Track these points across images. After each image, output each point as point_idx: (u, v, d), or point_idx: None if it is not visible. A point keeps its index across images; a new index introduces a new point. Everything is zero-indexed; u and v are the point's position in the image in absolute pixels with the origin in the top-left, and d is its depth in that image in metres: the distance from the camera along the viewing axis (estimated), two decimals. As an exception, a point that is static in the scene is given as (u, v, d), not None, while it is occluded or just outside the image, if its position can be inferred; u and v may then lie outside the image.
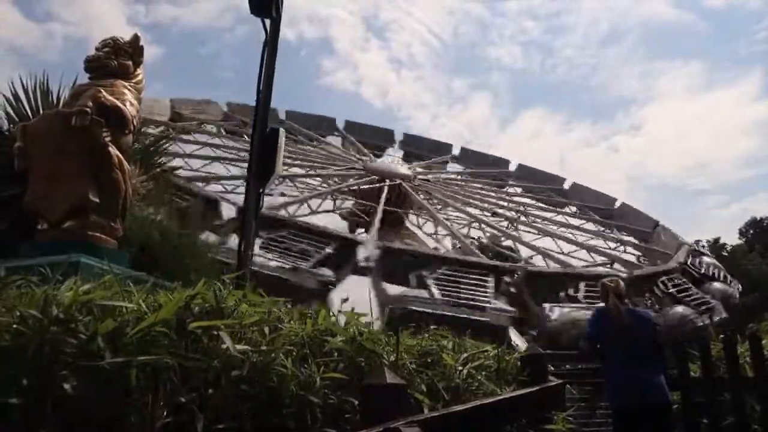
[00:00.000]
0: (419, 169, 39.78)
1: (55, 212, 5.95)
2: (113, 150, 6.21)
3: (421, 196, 34.03)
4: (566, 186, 40.46)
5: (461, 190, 36.94)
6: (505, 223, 33.83)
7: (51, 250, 5.35)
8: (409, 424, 2.54)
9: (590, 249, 30.71)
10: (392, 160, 39.67)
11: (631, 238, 33.52)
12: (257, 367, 2.85)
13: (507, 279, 22.93)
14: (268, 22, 7.08)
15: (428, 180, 36.54)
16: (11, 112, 9.05)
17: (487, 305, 20.32)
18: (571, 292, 22.41)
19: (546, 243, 31.77)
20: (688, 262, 26.80)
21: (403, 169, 36.44)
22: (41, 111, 8.54)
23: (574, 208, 38.24)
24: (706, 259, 29.36)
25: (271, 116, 34.77)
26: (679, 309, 22.09)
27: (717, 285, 25.49)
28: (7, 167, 6.67)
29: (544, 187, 40.43)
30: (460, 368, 3.80)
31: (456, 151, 44.73)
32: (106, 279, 3.18)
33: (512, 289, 22.52)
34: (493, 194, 38.43)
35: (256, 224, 6.97)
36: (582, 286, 22.54)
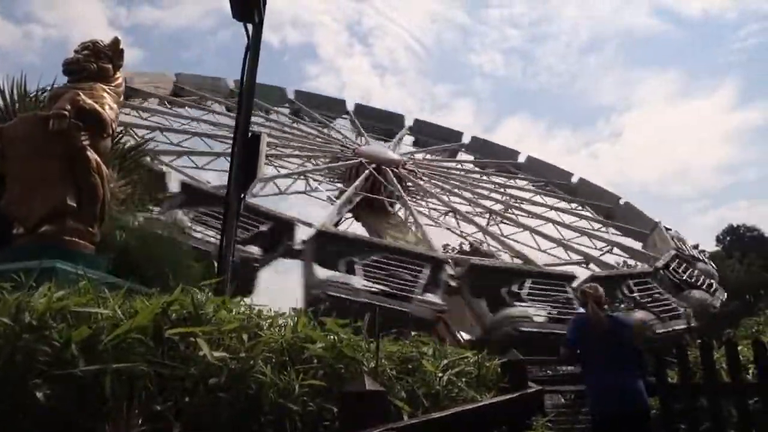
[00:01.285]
0: (418, 156, 39.03)
1: (31, 217, 5.85)
2: (91, 154, 6.12)
3: (409, 183, 33.32)
4: (574, 180, 39.18)
5: (453, 180, 36.01)
6: (486, 216, 33.14)
7: (27, 255, 5.26)
8: (388, 431, 2.53)
9: (567, 247, 30.32)
10: (390, 145, 38.79)
11: (625, 239, 32.71)
12: (236, 375, 2.82)
13: (450, 272, 22.38)
14: (250, 27, 7.07)
15: (417, 168, 35.68)
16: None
17: (413, 296, 19.79)
18: (515, 288, 22.04)
19: (524, 238, 31.47)
20: (671, 267, 26.39)
21: (395, 155, 35.56)
22: (18, 113, 8.40)
23: (575, 205, 37.29)
24: (701, 265, 28.87)
25: (279, 96, 35.56)
26: (639, 314, 21.90)
27: (696, 293, 25.26)
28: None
29: (550, 181, 39.26)
30: (440, 375, 3.79)
31: (466, 140, 43.32)
32: (82, 285, 3.13)
33: (453, 283, 22.03)
34: (488, 186, 37.46)
35: (236, 226, 6.93)
36: (527, 283, 22.30)
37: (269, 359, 3.05)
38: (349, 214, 32.94)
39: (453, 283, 22.08)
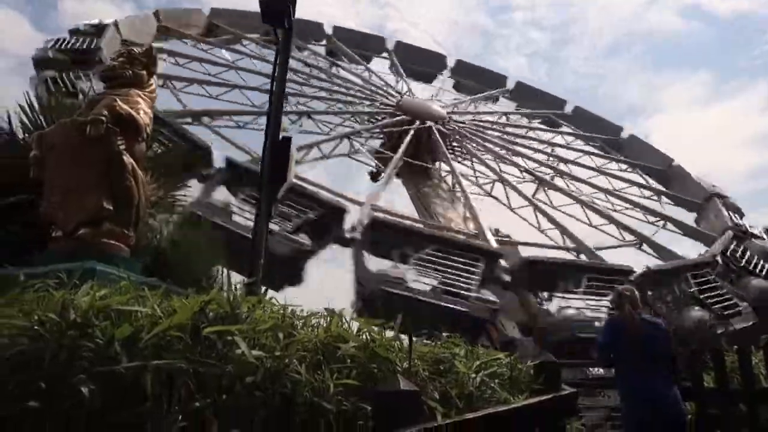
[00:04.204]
0: (461, 106, 36.53)
1: (70, 220, 6.01)
2: (127, 158, 6.27)
3: (454, 143, 31.33)
4: (624, 135, 36.44)
5: (498, 137, 33.30)
6: (535, 183, 30.36)
7: (66, 257, 5.39)
8: (422, 431, 2.53)
9: (619, 225, 27.88)
10: (432, 95, 36.43)
11: (678, 211, 30.14)
12: (271, 373, 2.86)
13: (503, 264, 21.22)
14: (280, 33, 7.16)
15: (463, 123, 33.40)
16: (26, 121, 9.17)
17: (471, 294, 18.95)
18: (571, 286, 20.94)
19: (574, 209, 29.04)
20: (729, 251, 24.02)
21: (439, 108, 33.31)
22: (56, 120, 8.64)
23: (625, 166, 34.32)
24: (757, 243, 26.03)
25: (317, 31, 33.39)
26: (697, 313, 20.29)
27: (755, 282, 22.83)
28: (23, 175, 6.75)
29: (598, 136, 36.30)
30: (473, 376, 3.78)
31: (511, 85, 40.13)
32: (122, 284, 3.21)
33: (506, 278, 20.98)
34: (534, 144, 34.75)
35: (268, 231, 7.00)
36: (584, 281, 21.10)
37: (303, 358, 3.08)
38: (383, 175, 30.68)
39: (507, 278, 21.01)
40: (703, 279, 22.44)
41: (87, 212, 6.02)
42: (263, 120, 28.15)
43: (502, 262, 21.52)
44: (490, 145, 32.08)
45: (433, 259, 19.87)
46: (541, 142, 35.67)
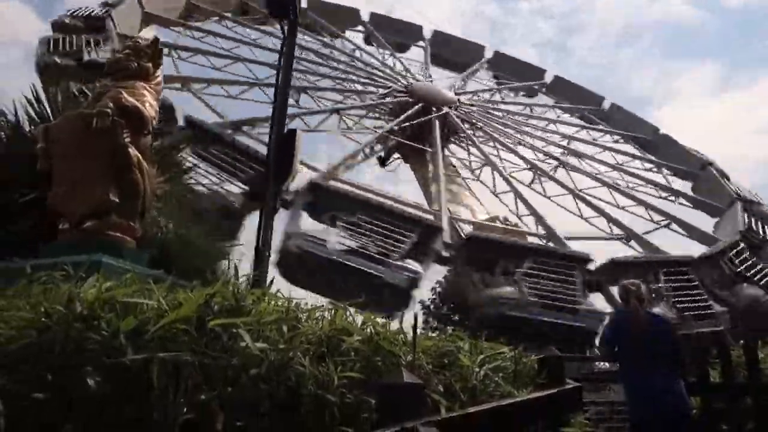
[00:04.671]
0: (485, 96, 35.88)
1: (76, 212, 6.05)
2: (133, 151, 6.30)
3: (466, 126, 30.60)
4: (659, 134, 34.99)
5: (510, 126, 32.57)
6: (533, 171, 29.68)
7: (72, 249, 5.43)
8: (426, 424, 2.54)
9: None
10: (458, 79, 35.77)
11: (695, 213, 29.03)
12: (276, 366, 2.87)
13: (447, 240, 20.49)
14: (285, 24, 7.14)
15: (473, 106, 32.84)
16: (32, 113, 9.20)
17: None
18: (513, 266, 20.14)
19: (602, 194, 28.42)
20: (728, 256, 23.19)
21: (449, 94, 32.63)
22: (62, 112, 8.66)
23: (650, 165, 32.93)
24: (765, 209, 25.97)
25: (353, 17, 34.07)
26: (751, 290, 20.06)
27: (749, 289, 22.21)
28: (30, 168, 6.79)
29: (629, 134, 35.06)
30: (477, 369, 3.78)
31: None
32: (128, 277, 3.23)
33: (445, 253, 20.32)
34: (551, 136, 33.82)
35: (273, 226, 7.01)
36: (529, 262, 20.30)
37: (308, 351, 3.09)
38: (396, 155, 30.77)
39: (446, 253, 20.34)
40: (678, 277, 21.83)
41: (93, 204, 6.06)
42: (257, 92, 27.60)
43: (446, 237, 20.72)
44: (494, 133, 31.25)
45: (364, 224, 19.27)
46: (561, 135, 34.65)
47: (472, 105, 33.26)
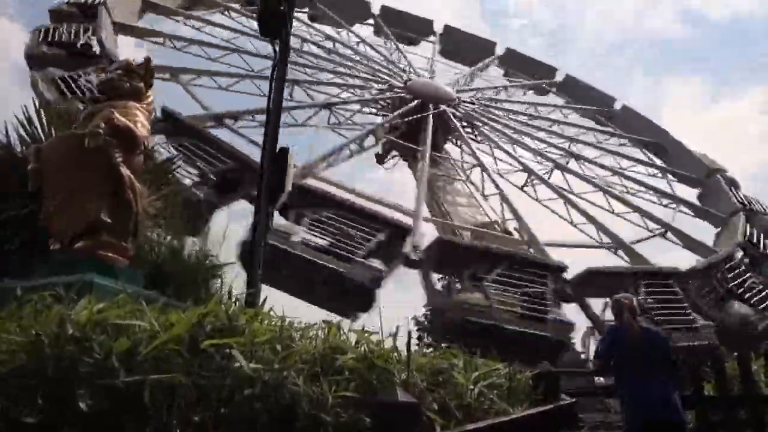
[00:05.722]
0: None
1: (68, 232, 6.01)
2: (125, 170, 6.27)
3: (463, 124, 29.88)
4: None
5: (512, 126, 31.52)
6: (526, 174, 28.58)
7: (63, 269, 5.39)
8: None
9: (643, 213, 26.11)
10: (466, 74, 35.16)
11: (695, 222, 27.99)
12: (270, 385, 2.85)
13: (417, 243, 19.75)
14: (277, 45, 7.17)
15: (473, 104, 31.87)
16: (24, 134, 9.19)
17: (354, 258, 17.72)
18: (481, 273, 19.39)
19: (597, 199, 27.48)
20: (721, 271, 21.97)
21: (449, 91, 31.66)
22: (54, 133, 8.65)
23: (655, 171, 31.53)
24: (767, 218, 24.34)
25: (363, 10, 32.44)
26: (741, 308, 19.21)
27: (739, 307, 20.88)
28: (21, 188, 6.76)
29: (640, 138, 33.23)
30: (471, 387, 3.77)
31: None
32: (119, 298, 3.21)
33: (413, 256, 19.40)
34: (553, 138, 32.50)
35: (265, 245, 6.99)
36: (498, 268, 19.49)
37: (302, 370, 3.07)
38: (394, 152, 29.81)
39: (414, 256, 19.51)
40: (660, 289, 20.64)
41: (84, 224, 6.02)
42: (248, 84, 26.60)
43: (416, 239, 20.06)
44: (491, 133, 30.33)
45: (329, 222, 18.81)
46: (564, 138, 33.30)
47: (472, 103, 32.33)
